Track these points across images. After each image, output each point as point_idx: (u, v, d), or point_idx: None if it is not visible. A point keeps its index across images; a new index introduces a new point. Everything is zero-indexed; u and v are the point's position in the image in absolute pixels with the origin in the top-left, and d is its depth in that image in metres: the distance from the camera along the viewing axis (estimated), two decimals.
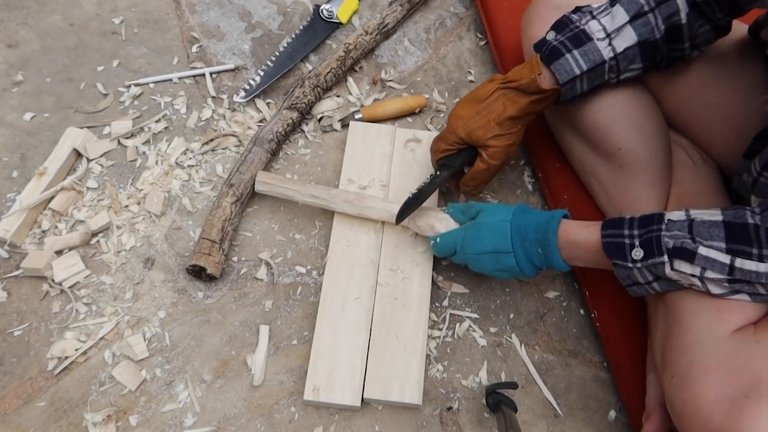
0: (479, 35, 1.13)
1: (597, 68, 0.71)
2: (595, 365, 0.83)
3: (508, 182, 0.97)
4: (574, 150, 0.85)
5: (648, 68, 0.73)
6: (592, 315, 0.83)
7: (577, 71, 0.71)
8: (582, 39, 0.71)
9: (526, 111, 0.74)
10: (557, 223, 0.69)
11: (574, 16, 0.73)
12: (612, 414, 0.79)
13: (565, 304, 0.87)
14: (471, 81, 1.07)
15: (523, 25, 0.87)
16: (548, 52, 0.72)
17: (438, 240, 0.78)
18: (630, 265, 0.63)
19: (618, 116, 0.76)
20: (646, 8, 0.69)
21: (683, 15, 0.68)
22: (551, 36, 0.73)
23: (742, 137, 0.74)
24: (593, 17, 0.72)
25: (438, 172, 0.80)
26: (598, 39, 0.70)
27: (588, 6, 0.73)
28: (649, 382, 0.71)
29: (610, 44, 0.70)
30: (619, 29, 0.70)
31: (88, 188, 0.90)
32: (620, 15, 0.70)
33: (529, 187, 0.97)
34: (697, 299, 0.61)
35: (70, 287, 0.82)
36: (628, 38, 0.70)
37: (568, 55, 0.71)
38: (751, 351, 0.55)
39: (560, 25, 0.73)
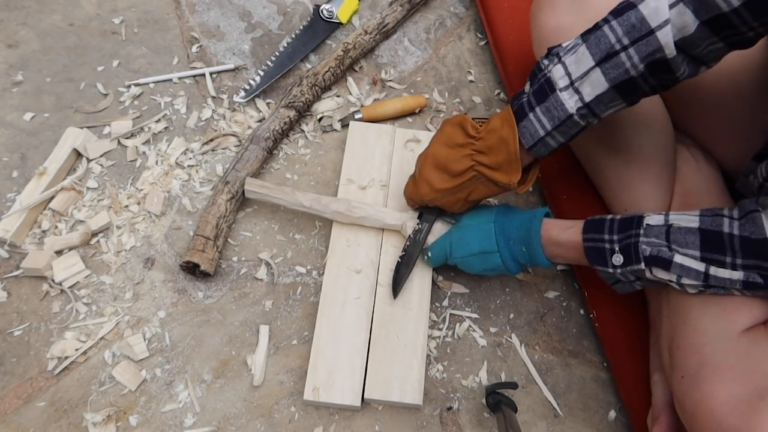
0: (479, 35, 1.13)
1: (565, 122, 0.62)
2: (595, 365, 0.83)
3: None
4: (581, 143, 0.85)
5: (634, 101, 0.63)
6: (592, 315, 0.83)
7: (542, 132, 0.64)
8: (545, 91, 0.62)
9: (499, 192, 0.73)
10: (539, 222, 0.70)
11: (545, 62, 0.64)
12: (612, 414, 0.79)
13: (565, 304, 0.87)
14: (471, 81, 1.07)
15: (533, 12, 0.80)
16: (515, 111, 0.65)
17: (429, 254, 0.79)
18: (611, 270, 0.64)
19: (628, 111, 0.76)
20: (618, 47, 0.58)
21: (668, 51, 0.55)
22: (527, 88, 0.66)
23: (744, 140, 0.74)
24: (559, 60, 0.62)
25: (419, 225, 0.81)
26: (560, 89, 0.61)
27: (559, 45, 0.64)
28: (655, 383, 0.71)
29: (576, 92, 0.61)
30: (585, 75, 0.60)
31: (88, 188, 0.90)
32: (586, 58, 0.60)
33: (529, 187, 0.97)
34: (700, 299, 0.61)
35: (70, 287, 0.82)
36: (597, 84, 0.59)
37: (531, 115, 0.64)
38: (764, 352, 0.55)
39: (532, 74, 0.65)
